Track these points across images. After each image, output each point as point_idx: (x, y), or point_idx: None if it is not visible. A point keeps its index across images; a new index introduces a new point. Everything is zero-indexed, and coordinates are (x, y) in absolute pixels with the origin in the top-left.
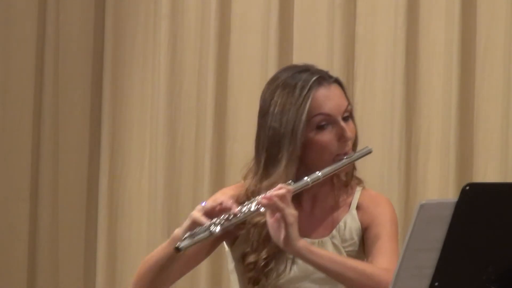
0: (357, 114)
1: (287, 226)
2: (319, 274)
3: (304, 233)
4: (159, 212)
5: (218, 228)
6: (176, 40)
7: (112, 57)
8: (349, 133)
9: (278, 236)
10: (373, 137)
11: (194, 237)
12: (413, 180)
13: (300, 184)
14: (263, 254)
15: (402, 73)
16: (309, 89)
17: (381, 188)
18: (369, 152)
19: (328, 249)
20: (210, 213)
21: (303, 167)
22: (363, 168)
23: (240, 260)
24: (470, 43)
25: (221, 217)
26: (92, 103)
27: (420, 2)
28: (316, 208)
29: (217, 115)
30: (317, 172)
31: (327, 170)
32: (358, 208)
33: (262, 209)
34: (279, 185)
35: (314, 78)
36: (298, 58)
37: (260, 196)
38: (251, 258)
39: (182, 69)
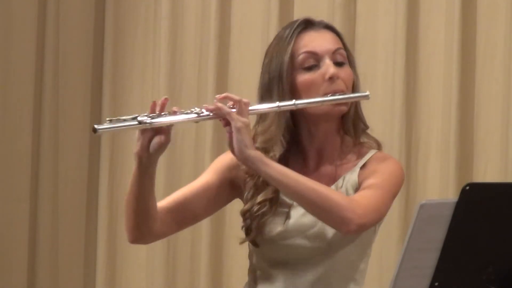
0: None
1: (235, 132)
2: (313, 231)
3: None
4: None
5: (146, 118)
6: (176, 40)
7: (112, 57)
8: (334, 70)
9: (232, 146)
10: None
11: (115, 122)
12: (413, 180)
13: (267, 105)
14: (259, 199)
15: (402, 73)
16: (294, 31)
17: None
18: (366, 97)
19: None
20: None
21: (301, 117)
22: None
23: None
24: (470, 43)
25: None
26: (92, 103)
27: (420, 2)
28: (321, 164)
29: None
30: (293, 100)
31: (304, 101)
32: (362, 167)
33: (205, 112)
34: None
35: (300, 21)
36: None
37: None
38: (247, 206)
39: (182, 69)
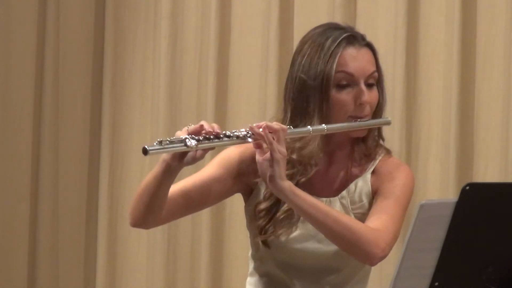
0: None
1: (273, 162)
2: None
3: (315, 191)
4: None
5: (194, 142)
6: (176, 40)
7: (112, 57)
8: (367, 97)
9: (264, 173)
10: None
11: (165, 145)
12: None
13: (299, 130)
14: (285, 207)
15: (402, 73)
16: (338, 45)
17: None
18: (387, 123)
19: (335, 208)
20: (194, 132)
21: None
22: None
23: (253, 211)
24: (470, 43)
25: (201, 135)
26: (92, 103)
27: (420, 2)
28: (330, 168)
29: (217, 115)
30: (323, 125)
31: (334, 126)
32: (373, 172)
33: (250, 140)
34: (276, 123)
35: (345, 35)
36: None
37: (250, 126)
38: (263, 205)
39: (182, 69)
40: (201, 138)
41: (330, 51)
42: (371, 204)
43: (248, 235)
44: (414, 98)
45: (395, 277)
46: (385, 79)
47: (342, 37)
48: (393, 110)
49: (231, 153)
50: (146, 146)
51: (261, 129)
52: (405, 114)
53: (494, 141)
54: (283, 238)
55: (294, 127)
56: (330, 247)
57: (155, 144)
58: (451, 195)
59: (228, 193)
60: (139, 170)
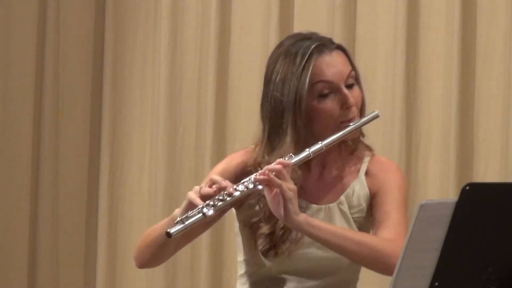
0: None
1: (285, 201)
2: None
3: (312, 199)
4: (159, 212)
5: (211, 211)
6: (176, 40)
7: (112, 57)
8: (352, 99)
9: (278, 211)
10: (373, 137)
11: (186, 221)
12: (413, 180)
13: (301, 157)
14: (280, 223)
15: (402, 73)
16: (309, 57)
17: None
18: (376, 117)
19: (335, 214)
20: (207, 195)
21: (309, 136)
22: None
23: (248, 225)
24: (470, 43)
25: (215, 198)
26: (92, 103)
27: (420, 2)
28: (324, 174)
29: (217, 115)
30: (319, 143)
31: (330, 140)
32: (367, 174)
33: (260, 187)
34: (278, 160)
35: (314, 45)
36: None
37: (256, 174)
38: (264, 229)
39: (182, 69)
40: (216, 202)
41: (302, 66)
42: (369, 206)
43: (238, 240)
44: (414, 98)
45: (395, 277)
46: (385, 79)
47: (311, 49)
48: (393, 110)
49: (222, 171)
50: (169, 230)
51: (272, 173)
52: (405, 114)
53: (494, 141)
54: (284, 251)
55: (272, 144)
56: (328, 253)
57: (176, 224)
58: (451, 195)
59: (220, 214)
60: (139, 170)
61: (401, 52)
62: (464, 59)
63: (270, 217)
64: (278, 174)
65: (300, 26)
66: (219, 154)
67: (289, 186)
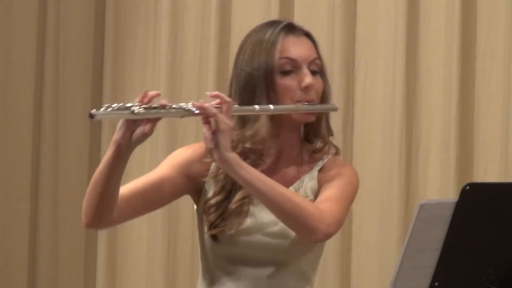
0: (357, 114)
1: (218, 132)
2: (272, 228)
3: None
4: (159, 212)
5: (140, 109)
6: (176, 40)
7: (112, 57)
8: (311, 79)
9: (210, 146)
10: (373, 137)
11: (111, 110)
12: (413, 180)
13: (247, 108)
14: (237, 197)
15: (402, 73)
16: (278, 34)
17: (381, 187)
18: (334, 109)
19: None
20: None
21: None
22: (363, 168)
23: (202, 212)
24: (470, 43)
25: (149, 104)
26: (92, 103)
27: (420, 2)
28: (278, 164)
29: None
30: (270, 105)
31: (281, 107)
32: (320, 170)
33: (196, 112)
34: (222, 95)
35: (283, 24)
36: None
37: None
38: (213, 201)
39: (182, 69)
40: (146, 106)
41: (271, 41)
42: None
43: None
44: (414, 98)
45: (395, 277)
46: (385, 79)
47: (280, 27)
48: (393, 110)
49: (180, 154)
50: (91, 111)
51: (210, 102)
52: (405, 114)
53: (494, 141)
54: (232, 231)
55: (242, 121)
56: (275, 240)
57: (102, 107)
58: (451, 195)
59: (178, 193)
60: (139, 170)
61: (401, 52)
62: (464, 59)
63: (223, 188)
64: (221, 105)
65: None
66: None
67: (226, 120)
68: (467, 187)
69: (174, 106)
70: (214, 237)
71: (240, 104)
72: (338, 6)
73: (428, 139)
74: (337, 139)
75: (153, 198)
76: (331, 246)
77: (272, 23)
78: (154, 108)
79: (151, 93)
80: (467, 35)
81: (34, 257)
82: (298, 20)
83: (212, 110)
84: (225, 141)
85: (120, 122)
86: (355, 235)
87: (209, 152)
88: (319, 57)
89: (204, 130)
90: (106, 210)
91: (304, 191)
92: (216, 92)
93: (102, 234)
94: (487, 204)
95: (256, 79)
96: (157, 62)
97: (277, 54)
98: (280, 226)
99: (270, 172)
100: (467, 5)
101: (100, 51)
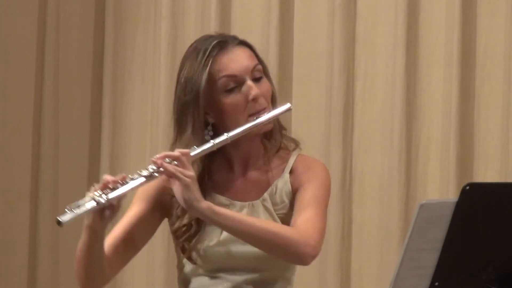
0: (357, 114)
1: (182, 188)
2: None
3: (236, 197)
4: None
5: (103, 197)
6: (176, 40)
7: (112, 57)
8: (256, 90)
9: (181, 202)
10: (373, 137)
11: (76, 209)
12: (413, 180)
13: (204, 147)
14: (184, 221)
15: (402, 73)
16: (209, 54)
17: (381, 187)
18: (288, 110)
19: (259, 211)
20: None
21: (224, 130)
22: (363, 168)
23: (173, 230)
24: (470, 43)
25: (108, 188)
26: (92, 103)
27: (420, 2)
28: (248, 171)
29: None
30: (225, 134)
31: (235, 131)
32: (291, 172)
33: (156, 175)
34: (177, 149)
35: (215, 42)
36: (298, 57)
37: (151, 159)
38: (176, 225)
39: None
40: (108, 191)
41: (203, 63)
42: (292, 203)
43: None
44: (414, 98)
45: (395, 277)
46: (385, 79)
47: (211, 46)
48: (393, 110)
49: (148, 187)
50: (58, 217)
51: (163, 160)
52: (405, 114)
53: (494, 141)
54: (206, 250)
55: (181, 144)
56: (254, 248)
57: (67, 212)
58: (451, 195)
59: (158, 223)
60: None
61: (401, 52)
62: (464, 59)
63: (181, 213)
64: (178, 161)
65: (300, 26)
66: None
67: (186, 173)
68: (467, 187)
69: (131, 177)
70: (189, 259)
71: (178, 129)
72: (338, 6)
73: (428, 139)
74: (337, 139)
75: (138, 239)
76: (331, 246)
77: (205, 40)
78: (113, 189)
79: (110, 179)
80: (467, 35)
81: (34, 257)
82: (298, 20)
83: (171, 170)
84: (193, 195)
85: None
86: (355, 235)
87: (182, 204)
88: (259, 61)
89: (172, 184)
90: (97, 274)
91: (279, 196)
92: (163, 154)
93: None
94: (487, 204)
95: (187, 102)
96: (157, 62)
97: (212, 75)
98: None
99: (241, 180)
100: (467, 5)
101: (100, 51)
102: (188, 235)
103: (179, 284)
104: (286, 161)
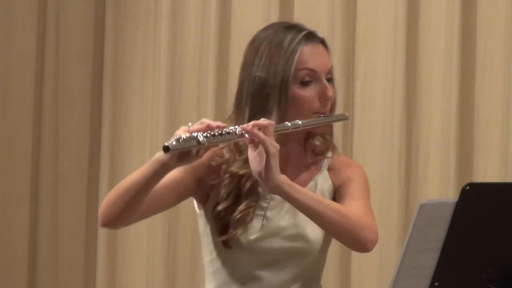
0: (357, 114)
1: (268, 157)
2: (290, 231)
3: None
4: None
5: (204, 138)
6: (176, 40)
7: (112, 57)
8: (331, 92)
9: (259, 169)
10: (373, 137)
11: (181, 143)
12: (413, 180)
13: (280, 125)
14: (242, 207)
15: (402, 73)
16: (298, 43)
17: (381, 188)
18: (345, 118)
19: None
20: (196, 131)
21: (284, 121)
22: (363, 168)
23: (212, 215)
24: (470, 43)
25: (207, 132)
26: (92, 103)
27: (420, 2)
28: (287, 167)
29: (217, 115)
30: (297, 121)
31: (307, 121)
32: (329, 169)
33: (246, 135)
34: (262, 118)
35: (303, 33)
36: None
37: (241, 126)
38: (221, 206)
39: (182, 69)
40: (208, 135)
41: (290, 50)
42: (332, 199)
43: (204, 240)
44: (414, 98)
45: (395, 277)
46: (384, 79)
47: (301, 35)
48: (393, 110)
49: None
50: (166, 144)
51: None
52: (405, 114)
53: (494, 141)
54: (244, 238)
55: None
56: (295, 243)
57: (173, 142)
58: (451, 195)
59: (187, 195)
60: (138, 167)
61: (401, 52)
62: (464, 59)
63: (229, 194)
64: (264, 129)
65: None
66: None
67: (273, 143)
68: (467, 187)
69: (227, 130)
70: (225, 243)
71: (251, 109)
72: (338, 5)
73: (428, 139)
74: (337, 139)
75: (166, 201)
76: (331, 247)
77: (290, 28)
78: (213, 135)
79: (213, 125)
80: (467, 35)
81: (34, 257)
82: (298, 20)
83: (261, 136)
84: (276, 164)
85: (173, 139)
86: None
87: (256, 175)
88: (332, 65)
89: (249, 152)
90: (130, 214)
91: (320, 192)
92: (252, 122)
93: (102, 234)
94: (487, 204)
95: (271, 86)
96: (157, 62)
97: (296, 65)
98: (298, 229)
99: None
100: (467, 5)
101: (100, 51)
102: (235, 219)
103: (208, 282)
104: (323, 158)
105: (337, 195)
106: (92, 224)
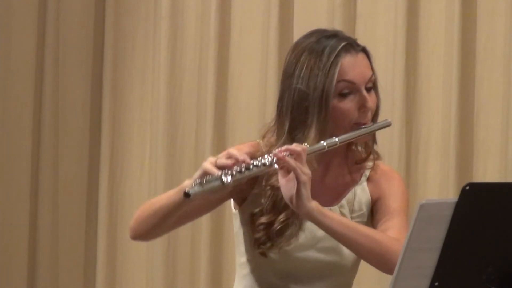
0: None
1: (299, 185)
2: (326, 243)
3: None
4: None
5: (229, 178)
6: (176, 40)
7: (112, 57)
8: (370, 103)
9: (290, 196)
10: None
11: (204, 185)
12: (413, 180)
13: (316, 146)
14: (281, 217)
15: (402, 73)
16: (337, 55)
17: None
18: (388, 125)
19: None
20: (222, 167)
21: (323, 134)
22: None
23: (248, 220)
24: (470, 43)
25: (233, 169)
26: (92, 103)
27: (420, 2)
28: (327, 176)
29: (217, 115)
30: (334, 137)
31: (344, 136)
32: (369, 180)
33: (276, 166)
34: (294, 144)
35: (342, 44)
36: None
37: (273, 152)
38: (263, 219)
39: (182, 69)
40: (234, 172)
41: (330, 62)
42: (370, 212)
43: (237, 241)
44: (414, 98)
45: (395, 277)
46: (384, 79)
47: (340, 47)
48: (393, 110)
49: None
50: (187, 191)
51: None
52: (405, 114)
53: (494, 141)
54: (283, 249)
55: (292, 139)
56: (329, 256)
57: (194, 185)
58: (451, 195)
59: (223, 201)
60: (139, 170)
61: (401, 52)
62: (464, 59)
63: (273, 207)
64: (296, 156)
65: (300, 26)
66: (219, 153)
67: (304, 170)
68: (467, 187)
69: (255, 163)
70: (262, 253)
71: (291, 122)
72: (338, 6)
73: (428, 139)
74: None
75: (200, 208)
76: None
77: (331, 37)
78: (240, 171)
79: (240, 159)
80: (467, 35)
81: (34, 257)
82: (298, 20)
83: (292, 164)
84: (307, 192)
85: (198, 173)
86: None
87: (288, 200)
88: (373, 72)
89: (280, 177)
90: (161, 231)
91: (358, 204)
92: (285, 147)
93: (102, 234)
94: (487, 204)
95: (311, 99)
96: (157, 62)
97: (336, 78)
98: (333, 241)
99: (319, 185)
100: (467, 5)
101: (100, 51)
102: (275, 232)
103: (239, 281)
104: (362, 170)
105: (374, 208)
106: (92, 224)
